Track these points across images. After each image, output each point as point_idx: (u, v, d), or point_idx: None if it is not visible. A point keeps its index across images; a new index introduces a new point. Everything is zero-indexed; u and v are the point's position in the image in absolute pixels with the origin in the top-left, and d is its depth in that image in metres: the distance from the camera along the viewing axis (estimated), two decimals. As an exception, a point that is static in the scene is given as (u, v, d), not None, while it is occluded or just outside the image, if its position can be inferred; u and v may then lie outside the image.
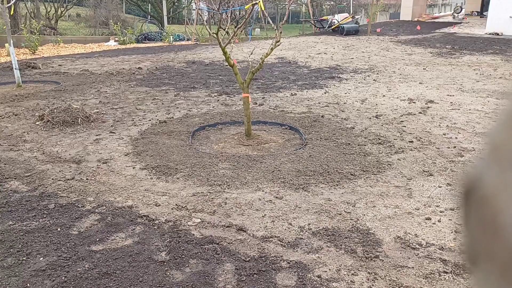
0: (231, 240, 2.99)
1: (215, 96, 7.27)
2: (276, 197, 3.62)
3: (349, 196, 3.65)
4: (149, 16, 25.99)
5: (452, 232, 3.09)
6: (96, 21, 21.77)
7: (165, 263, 2.74)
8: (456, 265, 2.71)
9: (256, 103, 6.70)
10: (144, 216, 3.31)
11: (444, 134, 5.18)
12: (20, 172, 4.17)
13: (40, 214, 3.36)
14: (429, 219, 3.26)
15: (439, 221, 3.24)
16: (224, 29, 5.59)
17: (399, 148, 4.74)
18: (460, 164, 4.31)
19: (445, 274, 2.62)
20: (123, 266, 2.71)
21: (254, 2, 5.09)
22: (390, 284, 2.54)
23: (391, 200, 3.57)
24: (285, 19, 5.40)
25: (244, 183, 3.89)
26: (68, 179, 4.00)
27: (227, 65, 8.94)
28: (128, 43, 16.25)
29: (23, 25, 16.71)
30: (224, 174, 4.08)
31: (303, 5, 25.17)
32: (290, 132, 5.42)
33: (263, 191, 3.74)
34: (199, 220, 3.25)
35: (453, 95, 7.15)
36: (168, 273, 2.64)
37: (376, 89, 7.67)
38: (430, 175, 4.06)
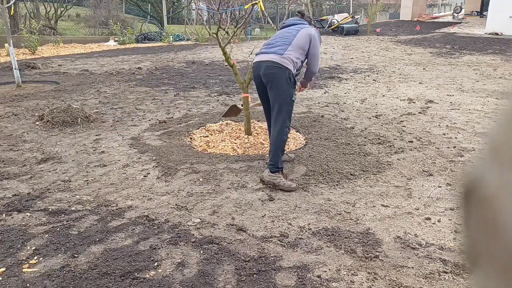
0: (231, 240, 2.99)
1: (215, 96, 7.27)
2: (276, 197, 3.62)
3: (349, 196, 3.65)
4: (148, 16, 25.98)
5: (452, 232, 3.09)
6: (96, 21, 21.74)
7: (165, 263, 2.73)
8: (456, 265, 2.71)
9: (256, 103, 6.70)
10: (144, 216, 3.31)
11: (444, 134, 5.18)
12: (19, 172, 4.17)
13: (40, 214, 3.35)
14: (429, 219, 3.26)
15: (439, 221, 3.24)
16: (224, 29, 5.59)
17: (398, 148, 4.74)
18: (460, 164, 4.31)
19: (445, 274, 2.62)
20: (123, 266, 2.71)
21: (254, 2, 5.09)
22: (390, 284, 2.54)
23: (391, 200, 3.57)
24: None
25: (244, 183, 3.88)
26: (67, 179, 4.00)
27: (226, 65, 8.93)
28: (127, 43, 16.25)
29: (22, 25, 16.71)
30: (224, 173, 4.08)
31: (303, 5, 25.15)
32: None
33: (263, 191, 3.74)
34: (199, 220, 3.25)
35: (452, 95, 7.15)
36: (168, 273, 2.64)
37: (376, 89, 7.67)
38: (430, 175, 4.06)
